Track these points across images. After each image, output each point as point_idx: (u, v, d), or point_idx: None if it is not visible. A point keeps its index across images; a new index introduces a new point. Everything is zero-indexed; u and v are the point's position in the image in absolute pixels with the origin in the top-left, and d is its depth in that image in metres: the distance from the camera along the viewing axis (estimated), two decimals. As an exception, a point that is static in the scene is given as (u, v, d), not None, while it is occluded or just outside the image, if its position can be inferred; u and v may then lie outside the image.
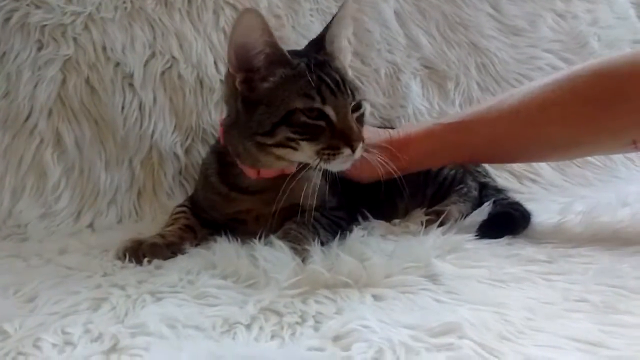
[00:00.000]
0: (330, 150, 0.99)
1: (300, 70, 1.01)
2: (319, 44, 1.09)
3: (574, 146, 1.15)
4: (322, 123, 1.00)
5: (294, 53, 1.07)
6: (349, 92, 1.02)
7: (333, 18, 1.09)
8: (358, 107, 1.04)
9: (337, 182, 1.10)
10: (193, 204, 1.21)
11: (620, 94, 1.03)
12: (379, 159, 1.05)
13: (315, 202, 1.05)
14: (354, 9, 1.06)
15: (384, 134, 1.19)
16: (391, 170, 1.06)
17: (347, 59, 1.12)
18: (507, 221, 1.14)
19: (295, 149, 1.00)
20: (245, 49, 1.00)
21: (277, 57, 1.01)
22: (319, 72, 1.01)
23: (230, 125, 1.09)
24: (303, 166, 1.04)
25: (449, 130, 1.16)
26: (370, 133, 1.15)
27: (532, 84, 1.16)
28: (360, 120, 1.05)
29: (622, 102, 1.02)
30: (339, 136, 0.99)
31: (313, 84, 0.99)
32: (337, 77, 1.02)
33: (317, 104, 0.99)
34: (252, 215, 1.13)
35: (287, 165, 1.06)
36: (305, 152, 1.00)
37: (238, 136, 1.07)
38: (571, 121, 1.07)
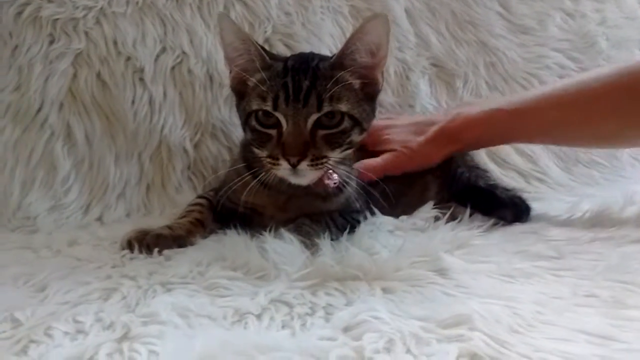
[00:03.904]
0: (271, 159, 0.99)
1: (272, 74, 1.01)
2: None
3: (622, 138, 1.22)
4: (271, 131, 0.99)
5: (298, 56, 1.10)
6: (313, 102, 0.98)
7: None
8: (330, 122, 1.00)
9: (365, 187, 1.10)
10: (216, 193, 1.20)
11: None
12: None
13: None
14: (376, 25, 1.00)
15: (437, 124, 1.24)
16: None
17: (374, 73, 1.05)
18: (487, 198, 1.19)
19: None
20: (230, 49, 1.03)
21: (258, 59, 1.02)
22: (287, 78, 0.99)
23: None
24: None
25: (505, 118, 1.22)
26: (421, 118, 1.24)
27: (583, 76, 1.22)
28: (334, 137, 1.01)
29: None
30: (281, 146, 0.98)
31: (272, 87, 0.99)
32: (305, 85, 0.98)
33: (267, 107, 0.99)
34: (268, 212, 1.12)
35: None
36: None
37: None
38: (620, 115, 1.12)
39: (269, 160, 0.99)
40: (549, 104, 1.19)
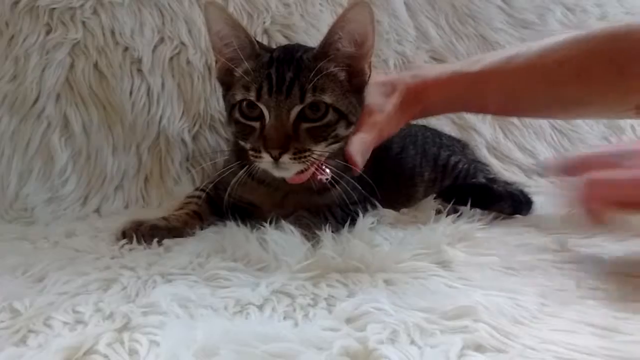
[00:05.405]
0: (254, 152, 0.97)
1: (258, 64, 0.99)
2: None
3: (583, 105, 1.15)
4: (254, 124, 0.98)
5: (284, 47, 1.08)
6: (296, 93, 0.96)
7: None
8: (314, 114, 0.98)
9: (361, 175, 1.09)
10: (215, 186, 1.16)
11: (634, 57, 1.01)
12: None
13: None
14: (357, 12, 0.98)
15: (401, 84, 1.16)
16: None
17: (360, 64, 1.03)
18: (483, 193, 1.17)
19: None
20: (217, 38, 1.01)
21: (247, 48, 1.00)
22: (271, 69, 0.97)
23: None
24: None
25: (466, 81, 1.15)
26: (383, 78, 1.16)
27: (548, 41, 1.13)
28: (319, 131, 0.98)
29: (634, 65, 1.01)
30: (262, 139, 0.96)
31: (256, 78, 0.97)
32: (288, 76, 0.96)
33: (251, 97, 0.97)
34: (265, 208, 1.11)
35: None
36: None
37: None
38: (585, 80, 1.07)
39: (252, 152, 0.98)
40: (511, 69, 1.13)
